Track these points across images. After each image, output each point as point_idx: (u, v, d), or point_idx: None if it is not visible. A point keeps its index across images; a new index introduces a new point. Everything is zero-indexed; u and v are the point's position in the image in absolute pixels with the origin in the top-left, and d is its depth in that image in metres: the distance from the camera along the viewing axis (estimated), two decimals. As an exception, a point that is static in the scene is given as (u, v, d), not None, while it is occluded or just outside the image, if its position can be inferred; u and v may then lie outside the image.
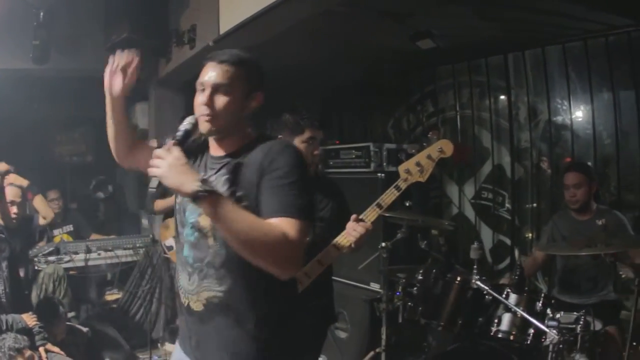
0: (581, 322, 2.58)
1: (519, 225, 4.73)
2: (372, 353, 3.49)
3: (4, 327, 3.18)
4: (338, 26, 3.92)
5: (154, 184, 1.53)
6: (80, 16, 5.18)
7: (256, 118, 1.78)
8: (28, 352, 3.04)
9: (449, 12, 3.71)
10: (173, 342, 3.00)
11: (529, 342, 2.63)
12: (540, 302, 2.69)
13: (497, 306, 2.76)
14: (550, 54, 4.39)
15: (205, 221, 1.63)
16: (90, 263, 4.80)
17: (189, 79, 5.37)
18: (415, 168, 2.41)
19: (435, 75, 5.39)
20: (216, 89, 1.63)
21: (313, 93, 6.09)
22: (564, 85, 4.31)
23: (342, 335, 4.01)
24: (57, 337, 3.56)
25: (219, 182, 1.63)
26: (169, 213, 4.32)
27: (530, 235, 4.63)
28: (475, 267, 2.81)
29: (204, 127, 1.66)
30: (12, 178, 4.16)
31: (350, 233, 2.34)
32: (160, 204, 4.00)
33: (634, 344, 2.82)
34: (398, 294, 3.11)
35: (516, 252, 4.67)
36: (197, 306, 1.67)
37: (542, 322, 2.57)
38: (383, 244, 2.81)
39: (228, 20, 3.85)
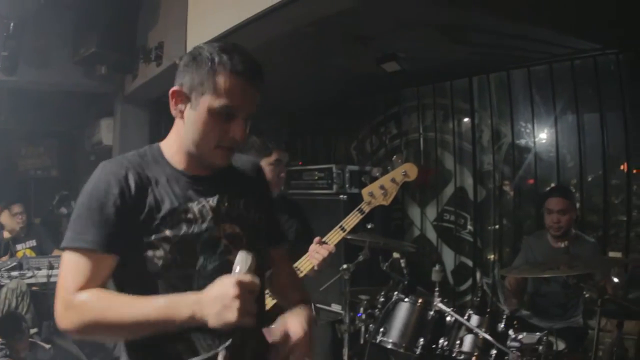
0: (543, 342, 2.58)
1: (481, 247, 4.73)
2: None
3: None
4: (304, 47, 3.90)
5: None
6: (50, 29, 5.09)
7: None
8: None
9: (415, 36, 3.71)
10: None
11: (491, 364, 2.62)
12: (503, 323, 2.69)
13: (460, 327, 2.77)
14: (515, 77, 4.43)
15: None
16: (52, 279, 4.68)
17: (155, 96, 5.35)
18: (379, 191, 2.43)
19: (399, 97, 5.39)
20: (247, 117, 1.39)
21: (277, 113, 6.05)
22: (528, 108, 4.35)
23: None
24: (19, 353, 3.49)
25: (213, 203, 1.41)
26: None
27: (492, 257, 4.64)
28: (437, 289, 2.80)
29: (224, 161, 1.42)
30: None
31: (314, 256, 2.34)
32: None
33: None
34: (360, 315, 3.10)
35: (478, 274, 4.67)
36: None
37: (504, 343, 2.58)
38: (345, 266, 2.80)
39: (195, 38, 3.85)
